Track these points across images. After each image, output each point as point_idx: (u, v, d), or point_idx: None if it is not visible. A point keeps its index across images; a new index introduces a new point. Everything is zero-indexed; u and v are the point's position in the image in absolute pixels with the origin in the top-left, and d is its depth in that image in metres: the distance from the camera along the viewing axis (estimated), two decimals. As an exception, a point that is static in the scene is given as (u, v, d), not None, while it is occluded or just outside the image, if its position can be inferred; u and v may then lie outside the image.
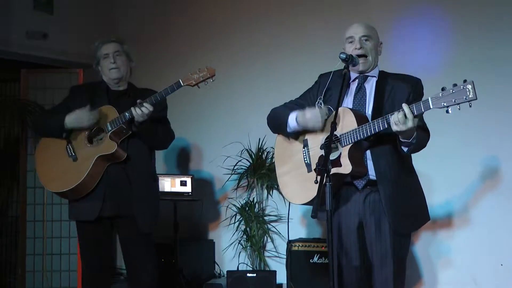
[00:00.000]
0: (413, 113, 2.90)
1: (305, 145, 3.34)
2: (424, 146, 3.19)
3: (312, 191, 3.01)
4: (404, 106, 2.91)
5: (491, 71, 4.60)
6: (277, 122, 3.45)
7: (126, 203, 3.81)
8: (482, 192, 4.62)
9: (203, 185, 5.84)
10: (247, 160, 5.54)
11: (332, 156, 3.14)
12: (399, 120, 2.89)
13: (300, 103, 3.44)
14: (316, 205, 2.78)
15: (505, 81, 4.59)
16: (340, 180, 3.18)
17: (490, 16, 4.69)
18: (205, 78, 3.73)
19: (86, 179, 3.74)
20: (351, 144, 3.11)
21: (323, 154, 2.97)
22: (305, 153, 3.34)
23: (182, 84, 3.74)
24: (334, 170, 3.08)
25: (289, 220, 5.08)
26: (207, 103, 5.77)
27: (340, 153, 3.14)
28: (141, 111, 3.64)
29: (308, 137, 3.34)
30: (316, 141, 3.28)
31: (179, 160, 6.09)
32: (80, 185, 3.73)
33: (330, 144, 2.95)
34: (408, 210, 3.23)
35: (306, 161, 3.32)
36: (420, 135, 3.05)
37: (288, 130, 3.36)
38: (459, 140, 4.68)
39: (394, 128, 2.94)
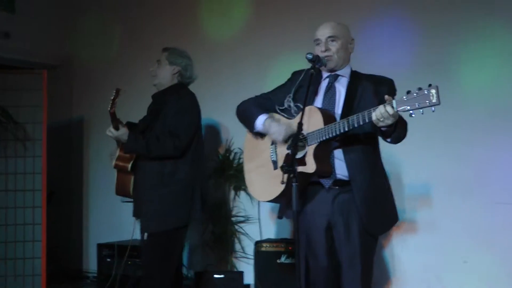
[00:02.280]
0: (393, 107, 2.88)
1: (274, 142, 3.35)
2: (405, 135, 3.20)
3: (277, 189, 3.03)
4: (387, 104, 2.88)
5: (457, 72, 4.66)
6: (245, 118, 3.47)
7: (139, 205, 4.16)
8: (446, 192, 4.67)
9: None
10: (214, 161, 5.53)
11: (298, 155, 3.14)
12: (382, 115, 2.89)
13: (269, 99, 3.45)
14: (283, 206, 2.78)
15: (468, 83, 4.64)
16: (306, 179, 3.19)
17: (453, 19, 4.73)
18: (111, 101, 3.98)
19: None
20: (316, 143, 3.12)
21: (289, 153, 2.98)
22: (272, 150, 3.35)
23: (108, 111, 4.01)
24: (299, 169, 3.08)
25: (256, 221, 5.09)
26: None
27: (306, 152, 3.14)
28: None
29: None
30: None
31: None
32: None
33: (296, 143, 2.95)
34: (381, 211, 3.27)
35: (272, 159, 3.33)
36: (400, 121, 3.06)
37: (254, 130, 3.39)
38: (424, 140, 4.68)
39: (380, 124, 2.93)
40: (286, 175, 2.83)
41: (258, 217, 5.07)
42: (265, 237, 5.23)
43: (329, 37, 3.30)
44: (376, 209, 3.23)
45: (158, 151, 4.05)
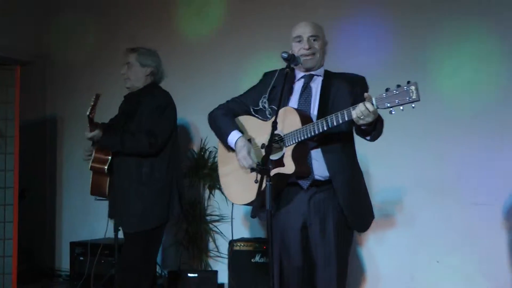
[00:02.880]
0: (373, 104, 2.87)
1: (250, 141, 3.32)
2: (382, 132, 3.18)
3: (254, 192, 2.99)
4: (366, 102, 2.88)
5: (435, 73, 4.69)
6: (217, 131, 3.44)
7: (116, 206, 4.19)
8: (423, 191, 4.71)
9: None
10: (189, 159, 5.50)
11: (276, 156, 3.14)
12: (363, 113, 2.88)
13: (242, 102, 3.43)
14: (256, 205, 2.77)
15: (446, 84, 4.68)
16: (284, 180, 3.18)
17: (431, 20, 4.78)
18: (91, 107, 3.99)
19: None
20: (294, 144, 3.10)
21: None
22: None
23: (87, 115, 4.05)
24: (277, 170, 3.09)
25: (232, 220, 5.08)
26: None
27: (284, 153, 3.13)
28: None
29: (252, 137, 3.33)
30: (260, 141, 3.27)
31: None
32: None
33: (271, 144, 2.93)
34: (360, 210, 3.28)
35: None
36: (379, 119, 3.06)
37: (227, 143, 3.36)
38: (399, 139, 4.73)
39: (361, 122, 2.92)
40: (259, 174, 2.82)
41: (232, 216, 5.04)
42: (239, 236, 5.21)
43: (312, 35, 3.28)
44: (357, 207, 3.24)
45: (132, 148, 4.06)
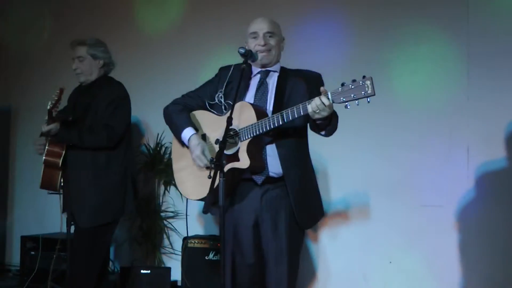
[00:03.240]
0: (328, 98, 2.89)
1: (204, 139, 3.30)
2: (337, 127, 3.20)
3: (207, 187, 2.97)
4: (322, 96, 2.89)
5: (390, 75, 4.71)
6: (172, 126, 3.42)
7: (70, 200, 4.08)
8: (376, 192, 4.74)
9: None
10: (144, 155, 5.44)
11: (231, 151, 3.13)
12: (318, 107, 2.89)
13: (198, 96, 3.41)
14: (208, 200, 2.75)
15: (401, 86, 4.71)
16: (238, 175, 3.17)
17: (388, 22, 4.80)
18: (54, 102, 3.90)
19: None
20: (249, 139, 3.09)
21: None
22: None
23: (48, 109, 3.94)
24: (232, 165, 3.09)
25: (187, 216, 5.04)
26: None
27: (239, 148, 3.12)
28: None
29: (206, 132, 3.31)
30: (214, 136, 3.25)
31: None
32: None
33: (225, 139, 2.92)
34: (311, 206, 3.31)
35: None
36: (334, 114, 3.08)
37: (181, 139, 3.34)
38: (355, 140, 4.76)
39: (316, 116, 2.93)
40: (213, 170, 2.80)
41: (187, 213, 5.00)
42: (194, 233, 5.17)
43: (267, 32, 3.28)
44: (306, 204, 3.25)
45: (91, 142, 4.02)
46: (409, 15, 4.72)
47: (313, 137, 3.33)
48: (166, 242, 5.46)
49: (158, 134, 5.38)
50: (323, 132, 3.15)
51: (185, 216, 5.23)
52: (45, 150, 4.08)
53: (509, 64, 4.37)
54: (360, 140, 4.77)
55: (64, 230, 4.59)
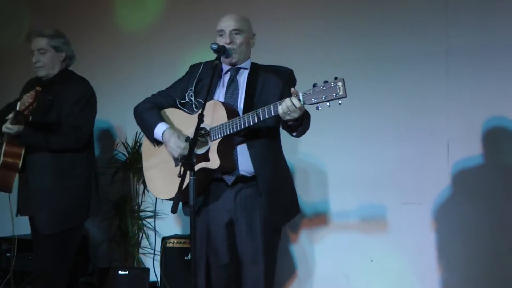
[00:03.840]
0: (299, 100, 2.84)
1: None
2: (308, 128, 3.16)
3: (177, 186, 2.91)
4: (293, 97, 2.84)
5: (366, 71, 4.66)
6: (143, 125, 3.36)
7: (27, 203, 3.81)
8: (356, 190, 4.68)
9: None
10: (123, 153, 5.36)
11: (201, 151, 3.08)
12: (289, 108, 2.84)
13: (169, 95, 3.34)
14: (177, 200, 2.69)
15: (377, 80, 4.66)
16: (209, 175, 3.12)
17: (361, 18, 4.76)
18: (28, 104, 3.63)
19: None
20: (220, 139, 3.04)
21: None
22: None
23: (17, 108, 3.67)
24: (202, 165, 3.05)
25: (165, 216, 4.98)
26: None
27: (209, 148, 3.06)
28: None
29: (178, 130, 3.24)
30: (185, 134, 3.18)
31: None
32: None
33: (195, 137, 2.85)
34: (283, 204, 3.25)
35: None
36: (305, 114, 3.02)
37: (153, 137, 3.28)
38: (336, 138, 4.72)
39: (287, 118, 2.88)
40: (183, 168, 2.74)
41: (166, 213, 4.94)
42: (173, 233, 5.10)
43: (234, 29, 3.22)
44: (279, 202, 3.20)
45: (59, 143, 3.76)
46: (387, 13, 4.68)
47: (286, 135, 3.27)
48: (145, 242, 5.38)
49: (136, 133, 5.29)
50: (294, 133, 3.10)
51: (165, 216, 5.18)
52: (2, 150, 3.78)
53: (488, 61, 4.35)
54: (340, 138, 4.73)
55: (18, 233, 4.40)
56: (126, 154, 5.35)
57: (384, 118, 4.63)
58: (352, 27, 4.79)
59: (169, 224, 5.19)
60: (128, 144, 5.37)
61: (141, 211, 5.35)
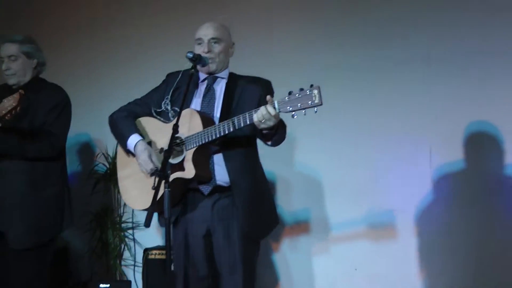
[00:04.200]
0: (274, 108, 2.79)
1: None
2: (284, 137, 3.11)
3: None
4: (268, 105, 2.79)
5: (347, 76, 4.63)
6: (117, 134, 3.31)
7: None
8: (340, 197, 4.63)
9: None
10: (103, 164, 5.29)
11: (176, 160, 3.03)
12: (264, 117, 2.79)
13: (145, 103, 3.29)
14: (150, 212, 2.64)
15: (358, 86, 4.63)
16: (184, 185, 3.07)
17: (342, 24, 4.74)
18: (11, 108, 3.35)
19: None
20: (195, 148, 2.99)
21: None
22: None
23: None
24: (177, 175, 3.00)
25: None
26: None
27: (184, 157, 3.01)
28: None
29: (152, 140, 3.19)
30: (160, 144, 3.14)
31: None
32: None
33: (170, 147, 2.80)
34: (261, 216, 3.18)
35: None
36: (281, 123, 2.97)
37: (126, 147, 3.23)
38: (319, 144, 4.67)
39: (262, 126, 2.82)
40: (157, 180, 2.68)
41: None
42: (156, 244, 5.02)
43: (212, 38, 3.18)
44: (256, 213, 3.14)
45: (35, 151, 3.62)
46: (368, 20, 4.65)
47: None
48: (127, 254, 5.30)
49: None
50: (269, 142, 3.04)
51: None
52: None
53: (468, 66, 4.33)
54: (321, 146, 4.68)
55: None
56: (107, 164, 5.28)
57: (365, 125, 4.60)
58: (334, 34, 4.75)
59: (152, 235, 5.10)
60: (109, 154, 5.29)
61: (123, 222, 5.27)
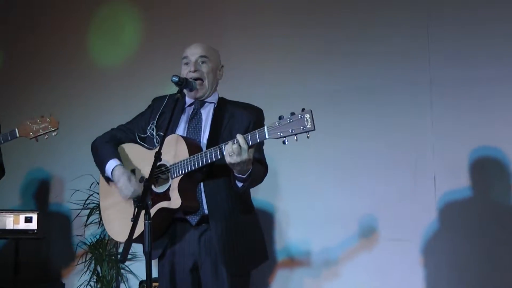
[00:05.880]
0: (248, 143, 2.60)
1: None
2: (260, 181, 2.92)
3: (135, 228, 2.68)
4: (239, 136, 2.60)
5: (349, 102, 4.56)
6: (97, 160, 3.10)
7: None
8: (336, 228, 4.52)
9: (51, 221, 5.42)
10: (98, 193, 5.13)
11: (161, 189, 2.85)
12: (233, 151, 2.58)
13: (129, 129, 3.13)
14: (127, 247, 2.46)
15: (361, 113, 4.55)
16: (170, 215, 2.88)
17: (344, 48, 4.67)
18: (46, 131, 3.39)
19: None
20: (181, 176, 2.80)
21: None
22: None
23: (17, 135, 3.41)
24: (162, 205, 2.82)
25: (143, 258, 4.72)
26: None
27: (170, 186, 2.83)
28: None
29: (136, 167, 3.01)
30: (144, 172, 2.95)
31: (24, 194, 5.61)
32: None
33: (151, 176, 2.63)
34: (242, 248, 2.93)
35: None
36: (256, 169, 2.77)
37: (105, 175, 3.04)
38: (319, 174, 4.60)
39: (228, 160, 2.61)
40: (136, 211, 2.51)
41: (140, 255, 4.69)
42: (153, 275, 4.84)
43: (200, 56, 3.02)
44: (235, 246, 2.90)
45: None
46: (369, 43, 4.59)
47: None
48: (123, 286, 5.13)
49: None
50: (239, 184, 2.79)
51: (142, 258, 4.93)
52: None
53: (471, 93, 4.28)
54: (323, 175, 4.61)
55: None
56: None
57: (367, 152, 4.52)
58: (333, 58, 4.70)
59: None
60: (102, 183, 5.16)
61: (119, 254, 5.11)
